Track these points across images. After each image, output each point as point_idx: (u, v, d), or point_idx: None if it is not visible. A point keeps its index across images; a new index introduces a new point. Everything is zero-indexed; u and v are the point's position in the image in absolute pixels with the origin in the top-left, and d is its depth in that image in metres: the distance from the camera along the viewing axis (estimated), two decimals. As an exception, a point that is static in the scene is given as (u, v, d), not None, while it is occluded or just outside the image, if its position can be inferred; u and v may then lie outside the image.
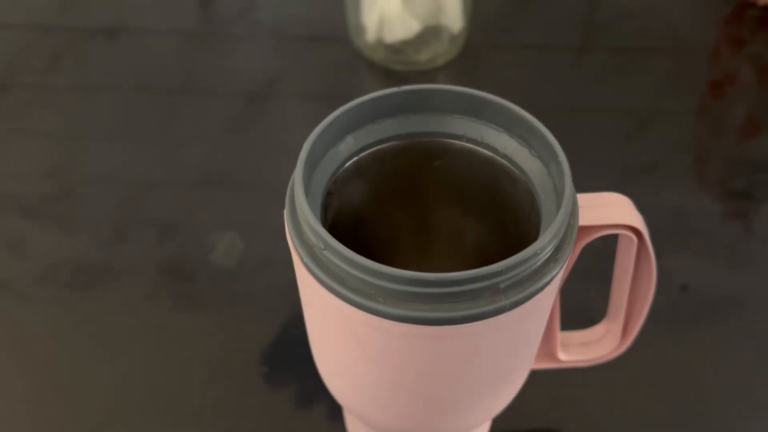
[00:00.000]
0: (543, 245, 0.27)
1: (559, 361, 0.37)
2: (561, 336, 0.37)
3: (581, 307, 0.42)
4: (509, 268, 0.26)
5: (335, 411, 0.42)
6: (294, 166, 0.29)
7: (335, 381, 0.34)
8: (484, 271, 0.26)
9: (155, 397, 0.43)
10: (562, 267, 0.28)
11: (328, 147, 0.31)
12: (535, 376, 0.38)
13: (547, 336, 0.36)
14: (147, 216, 0.52)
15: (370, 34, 0.58)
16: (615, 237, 0.33)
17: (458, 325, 0.26)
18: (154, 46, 0.64)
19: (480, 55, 0.62)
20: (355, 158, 0.32)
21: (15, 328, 0.47)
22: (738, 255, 0.50)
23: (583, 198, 0.31)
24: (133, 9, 0.68)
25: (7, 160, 0.56)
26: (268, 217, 0.52)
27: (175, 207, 0.53)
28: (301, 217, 0.28)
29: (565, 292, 0.35)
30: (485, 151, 0.32)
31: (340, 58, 0.62)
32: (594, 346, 0.38)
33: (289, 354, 0.45)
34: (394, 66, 0.59)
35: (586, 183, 0.52)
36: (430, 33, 0.58)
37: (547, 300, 0.29)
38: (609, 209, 0.31)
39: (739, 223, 0.53)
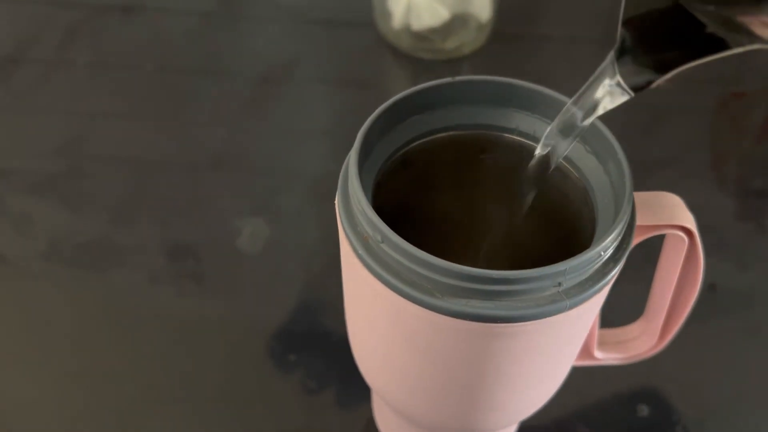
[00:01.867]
0: (606, 245, 0.26)
1: (595, 358, 0.37)
2: (598, 334, 0.37)
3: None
4: (573, 268, 0.26)
5: (353, 400, 0.42)
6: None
7: (374, 370, 0.33)
8: (547, 270, 0.25)
9: (160, 380, 0.43)
10: (620, 266, 0.27)
11: (379, 137, 0.30)
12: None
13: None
14: (158, 197, 0.51)
15: (397, 20, 0.57)
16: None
17: (515, 323, 0.26)
18: (171, 26, 0.63)
19: (506, 45, 0.61)
20: (406, 148, 0.31)
21: (20, 305, 0.46)
22: (752, 253, 0.50)
23: (636, 197, 0.30)
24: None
25: (17, 136, 0.55)
26: (282, 201, 0.51)
27: (188, 189, 0.52)
28: (357, 208, 0.27)
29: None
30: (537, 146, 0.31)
31: (363, 43, 0.61)
32: (630, 344, 0.37)
33: (306, 342, 0.44)
34: (419, 54, 0.58)
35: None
36: (458, 21, 0.57)
37: (602, 300, 0.28)
38: (664, 209, 0.30)
39: (754, 221, 0.53)
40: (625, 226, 0.27)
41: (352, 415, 0.42)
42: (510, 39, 0.62)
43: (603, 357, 0.37)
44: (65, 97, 0.58)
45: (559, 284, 0.26)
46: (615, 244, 0.27)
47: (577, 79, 0.62)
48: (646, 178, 0.54)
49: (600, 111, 0.27)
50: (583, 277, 0.26)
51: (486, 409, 0.31)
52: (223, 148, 0.54)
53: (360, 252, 0.27)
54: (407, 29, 0.58)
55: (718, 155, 0.58)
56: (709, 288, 0.47)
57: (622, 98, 0.27)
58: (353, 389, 0.42)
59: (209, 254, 0.48)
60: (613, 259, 0.27)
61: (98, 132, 0.55)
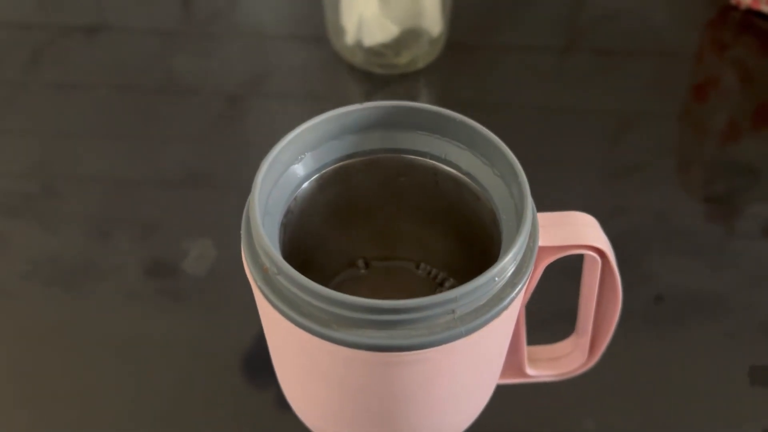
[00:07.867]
0: (499, 270, 0.26)
1: (527, 375, 0.37)
2: (528, 351, 0.37)
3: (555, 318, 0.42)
4: (464, 295, 0.26)
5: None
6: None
7: (299, 404, 0.33)
8: (438, 298, 0.25)
9: (135, 396, 0.43)
10: (520, 291, 0.27)
11: (288, 165, 0.30)
12: (504, 390, 0.38)
13: (514, 351, 0.36)
14: (127, 215, 0.52)
15: (350, 36, 0.58)
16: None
17: (413, 352, 0.26)
18: (135, 45, 0.64)
19: (461, 57, 0.61)
20: (317, 175, 0.31)
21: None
22: (719, 257, 0.50)
23: (546, 217, 0.30)
24: (113, 7, 0.67)
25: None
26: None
27: (156, 206, 0.52)
28: (256, 240, 0.27)
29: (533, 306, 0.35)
30: (449, 168, 0.32)
31: (321, 59, 0.61)
32: (562, 360, 0.37)
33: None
34: (374, 68, 0.58)
35: (569, 184, 0.52)
36: (410, 36, 0.57)
37: (505, 323, 0.28)
38: (573, 229, 0.30)
39: (721, 225, 0.53)
40: (523, 249, 0.27)
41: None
42: (465, 51, 0.62)
43: (535, 374, 0.37)
44: (33, 118, 0.58)
45: (453, 311, 0.26)
46: (512, 268, 0.27)
47: (534, 89, 0.62)
48: (612, 185, 0.54)
49: None
50: (479, 303, 0.26)
51: (405, 433, 0.31)
52: (192, 165, 0.55)
53: (260, 283, 0.27)
54: (360, 45, 0.58)
55: (683, 160, 0.58)
56: (655, 300, 0.47)
57: None
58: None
59: (181, 271, 0.48)
60: (511, 284, 0.27)
61: (66, 152, 0.56)
